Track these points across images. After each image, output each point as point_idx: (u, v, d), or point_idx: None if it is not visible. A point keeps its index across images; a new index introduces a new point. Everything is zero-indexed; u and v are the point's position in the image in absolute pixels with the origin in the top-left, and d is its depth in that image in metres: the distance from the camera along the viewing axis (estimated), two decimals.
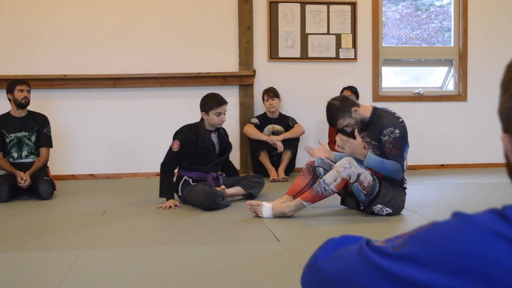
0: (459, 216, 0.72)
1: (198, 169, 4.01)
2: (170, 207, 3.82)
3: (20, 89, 4.51)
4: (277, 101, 5.44)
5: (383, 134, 3.39)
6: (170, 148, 3.98)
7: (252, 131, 5.32)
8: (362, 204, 3.46)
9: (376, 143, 3.46)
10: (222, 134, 4.17)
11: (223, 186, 3.95)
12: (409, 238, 0.75)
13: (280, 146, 5.16)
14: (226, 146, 4.17)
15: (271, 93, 5.43)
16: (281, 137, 5.25)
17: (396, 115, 3.46)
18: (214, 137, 4.10)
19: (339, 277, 0.82)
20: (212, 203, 3.72)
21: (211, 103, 3.97)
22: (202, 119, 4.06)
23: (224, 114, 4.01)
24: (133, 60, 5.58)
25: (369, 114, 3.48)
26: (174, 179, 4.05)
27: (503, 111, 0.76)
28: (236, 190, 4.10)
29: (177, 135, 4.02)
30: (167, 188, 3.92)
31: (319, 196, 3.33)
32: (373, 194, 3.36)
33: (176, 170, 4.09)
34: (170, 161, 3.98)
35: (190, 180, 4.00)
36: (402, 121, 3.45)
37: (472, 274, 0.66)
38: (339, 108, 3.43)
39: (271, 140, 5.19)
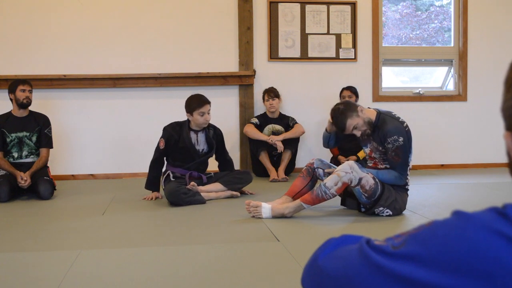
0: (459, 215, 0.72)
1: (181, 166, 4.22)
2: (152, 198, 4.17)
3: (22, 89, 4.51)
4: (278, 101, 5.44)
5: (387, 141, 3.38)
6: (157, 145, 4.24)
7: (252, 131, 5.32)
8: (363, 206, 3.45)
9: (382, 149, 3.45)
10: (209, 134, 4.26)
11: (193, 183, 4.04)
12: (409, 237, 0.75)
13: (280, 146, 5.16)
14: (212, 145, 4.28)
15: (271, 93, 5.42)
16: (281, 137, 5.24)
17: (400, 119, 3.43)
18: (200, 136, 4.23)
19: (339, 276, 0.82)
20: (175, 199, 3.91)
21: (194, 104, 4.13)
22: (188, 119, 4.23)
23: (208, 113, 4.14)
24: (133, 60, 5.58)
25: (374, 118, 3.45)
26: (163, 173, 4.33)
27: (506, 109, 0.76)
28: (215, 186, 4.18)
29: (163, 132, 4.23)
30: (152, 181, 4.23)
31: (319, 199, 3.33)
32: (375, 197, 3.35)
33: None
34: (157, 157, 4.25)
35: (171, 176, 4.20)
36: (407, 126, 3.42)
37: (473, 272, 0.66)
38: (344, 109, 3.41)
39: (271, 140, 5.19)
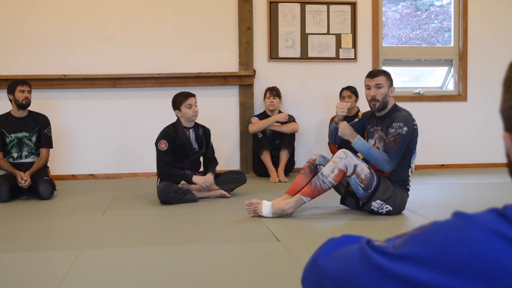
0: (460, 215, 0.72)
1: (175, 165, 4.20)
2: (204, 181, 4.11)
3: (21, 90, 4.50)
4: (278, 100, 5.46)
5: (391, 126, 3.43)
6: (159, 150, 4.16)
7: (258, 124, 5.33)
8: (361, 200, 3.45)
9: (385, 137, 3.48)
10: (199, 132, 4.31)
11: (183, 182, 4.08)
12: (409, 237, 0.75)
13: (283, 116, 5.32)
14: (201, 143, 4.31)
15: (273, 91, 5.45)
16: (272, 122, 5.30)
17: (412, 116, 3.50)
18: (191, 134, 4.28)
19: (339, 276, 0.82)
20: (165, 197, 3.96)
21: (180, 98, 4.22)
22: (178, 119, 4.27)
23: (195, 105, 4.22)
24: (133, 60, 5.57)
25: (390, 107, 3.55)
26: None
27: (505, 110, 0.76)
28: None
29: (159, 136, 4.21)
30: (183, 175, 4.11)
31: (317, 190, 3.33)
32: (371, 188, 3.36)
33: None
34: (166, 161, 4.15)
35: None
36: (415, 125, 3.48)
37: (473, 273, 0.66)
38: (388, 74, 3.60)
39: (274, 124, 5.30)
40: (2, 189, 4.19)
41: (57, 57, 5.50)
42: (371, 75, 3.58)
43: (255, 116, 5.50)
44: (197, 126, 4.33)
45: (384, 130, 3.51)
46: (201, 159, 4.44)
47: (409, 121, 3.43)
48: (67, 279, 2.23)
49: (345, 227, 3.23)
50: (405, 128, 3.39)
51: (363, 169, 3.33)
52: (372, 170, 3.37)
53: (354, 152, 3.61)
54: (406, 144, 3.44)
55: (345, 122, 3.61)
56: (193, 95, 4.24)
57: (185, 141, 4.20)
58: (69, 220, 3.54)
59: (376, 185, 3.37)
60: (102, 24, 5.55)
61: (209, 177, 4.17)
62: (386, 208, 3.41)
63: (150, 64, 5.59)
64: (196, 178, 4.14)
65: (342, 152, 3.34)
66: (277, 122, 5.37)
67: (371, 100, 3.56)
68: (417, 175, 5.37)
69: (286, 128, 5.34)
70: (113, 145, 5.61)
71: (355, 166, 3.31)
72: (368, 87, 3.57)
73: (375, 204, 3.40)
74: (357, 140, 3.49)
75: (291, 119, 5.47)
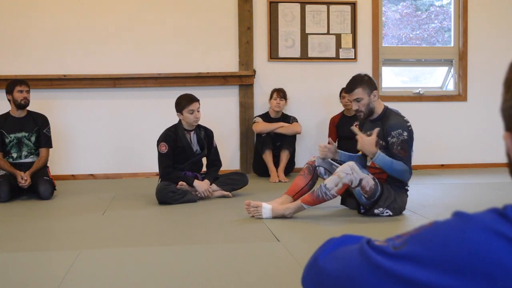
0: (460, 215, 0.72)
1: (175, 167, 4.21)
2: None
3: (20, 90, 4.49)
4: (284, 102, 5.45)
5: (390, 135, 3.40)
6: (160, 153, 4.17)
7: (264, 125, 5.33)
8: (363, 206, 3.45)
9: (383, 143, 3.46)
10: (201, 134, 4.30)
11: (181, 182, 4.08)
12: (409, 237, 0.75)
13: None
14: (203, 145, 4.31)
15: (281, 92, 5.45)
16: (279, 126, 5.27)
17: (404, 118, 3.48)
18: (193, 137, 4.28)
19: (340, 276, 0.82)
20: (162, 197, 3.97)
21: (183, 102, 4.19)
22: (180, 120, 4.26)
23: (198, 111, 4.20)
24: (133, 60, 5.57)
25: (380, 110, 3.51)
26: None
27: (506, 110, 0.76)
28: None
29: (159, 139, 4.22)
30: (183, 178, 4.12)
31: (319, 200, 3.33)
32: (375, 198, 3.35)
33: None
34: (166, 164, 4.17)
35: None
36: (410, 126, 3.46)
37: (473, 273, 0.66)
38: (366, 80, 3.50)
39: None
40: (2, 189, 4.19)
41: (57, 57, 5.50)
42: (348, 90, 3.54)
43: (258, 116, 5.50)
44: (199, 128, 4.31)
45: (379, 135, 3.46)
46: (204, 160, 4.44)
47: (404, 124, 3.42)
48: (67, 279, 2.23)
49: (345, 227, 3.22)
50: (405, 133, 3.39)
51: (369, 182, 3.30)
52: (377, 181, 3.35)
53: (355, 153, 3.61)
54: (412, 146, 3.44)
55: (364, 136, 3.42)
56: (197, 100, 4.21)
57: (185, 143, 4.20)
58: (69, 220, 3.54)
59: (380, 194, 3.37)
60: (102, 24, 5.55)
61: (208, 187, 4.18)
62: (387, 213, 3.42)
63: (150, 64, 5.59)
64: (197, 184, 4.14)
65: (348, 167, 3.27)
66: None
67: (356, 112, 3.55)
68: (417, 175, 5.37)
69: (288, 130, 5.34)
70: (113, 145, 5.60)
71: (360, 180, 3.28)
72: (349, 100, 3.57)
73: (377, 211, 3.41)
74: (378, 156, 3.34)
75: (294, 120, 5.47)
